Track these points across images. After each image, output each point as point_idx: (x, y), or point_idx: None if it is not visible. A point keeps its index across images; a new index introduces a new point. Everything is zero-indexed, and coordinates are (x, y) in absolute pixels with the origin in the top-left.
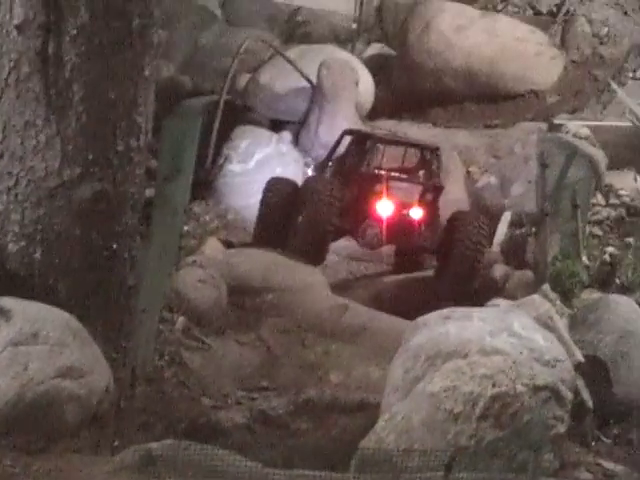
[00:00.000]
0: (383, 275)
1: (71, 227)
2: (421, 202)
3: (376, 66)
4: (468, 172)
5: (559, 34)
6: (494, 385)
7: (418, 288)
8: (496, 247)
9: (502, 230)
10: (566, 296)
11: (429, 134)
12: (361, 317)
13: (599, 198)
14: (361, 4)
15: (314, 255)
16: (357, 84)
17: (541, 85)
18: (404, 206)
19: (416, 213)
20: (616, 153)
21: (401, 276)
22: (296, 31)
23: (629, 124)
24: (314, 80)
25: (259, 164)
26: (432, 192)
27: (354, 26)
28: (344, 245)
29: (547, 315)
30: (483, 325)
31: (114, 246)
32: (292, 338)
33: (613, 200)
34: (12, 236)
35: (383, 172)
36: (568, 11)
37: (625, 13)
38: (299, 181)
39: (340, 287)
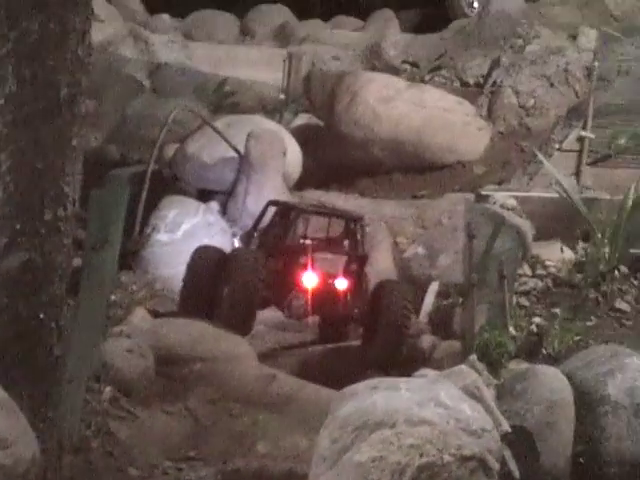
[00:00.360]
0: (310, 345)
1: None
2: (346, 272)
3: (304, 136)
4: (396, 242)
5: (486, 105)
6: (421, 455)
7: (345, 357)
8: (423, 317)
9: (429, 300)
10: (493, 366)
11: (356, 204)
12: (289, 387)
13: (526, 269)
14: (289, 74)
15: (241, 327)
16: (285, 154)
17: (468, 156)
18: (329, 277)
19: (341, 284)
20: (543, 224)
21: (328, 345)
22: (224, 101)
23: (556, 195)
24: (242, 150)
25: (187, 234)
26: (357, 262)
27: (282, 96)
28: (271, 315)
29: (474, 385)
30: (410, 395)
31: (41, 316)
32: (219, 408)
33: (540, 271)
34: None
35: (307, 243)
36: (495, 82)
37: (551, 85)
38: (227, 250)
39: (267, 357)
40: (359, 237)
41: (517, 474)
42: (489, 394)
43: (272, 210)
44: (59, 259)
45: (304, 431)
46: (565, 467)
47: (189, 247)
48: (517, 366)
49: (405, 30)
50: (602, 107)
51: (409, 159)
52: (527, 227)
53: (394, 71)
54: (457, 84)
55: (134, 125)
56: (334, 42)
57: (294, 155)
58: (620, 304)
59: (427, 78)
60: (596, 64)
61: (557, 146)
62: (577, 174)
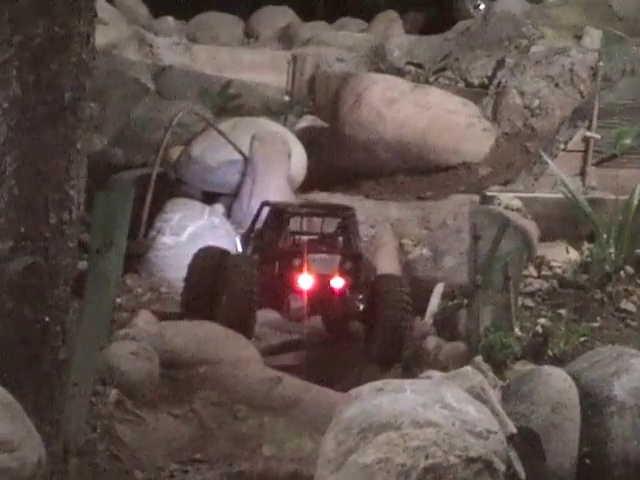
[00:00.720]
0: (314, 344)
1: (3, 301)
2: (342, 271)
3: (308, 138)
4: (400, 244)
5: (491, 106)
6: (427, 457)
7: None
8: (428, 319)
9: (434, 302)
10: (498, 368)
11: (361, 206)
12: (294, 389)
13: (531, 270)
14: (293, 76)
15: (241, 332)
16: (289, 156)
17: (473, 157)
18: (325, 277)
19: (337, 283)
20: (548, 225)
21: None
22: (228, 104)
23: (561, 196)
24: (246, 152)
25: (192, 237)
26: (351, 259)
27: (286, 98)
28: (275, 317)
29: (479, 387)
30: (416, 397)
31: (46, 319)
32: (225, 411)
33: (545, 272)
34: None
35: (301, 245)
36: (500, 83)
37: (556, 85)
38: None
39: (272, 359)
40: (352, 233)
41: (523, 475)
42: (495, 395)
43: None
44: (64, 262)
45: (309, 433)
46: (571, 468)
47: (194, 250)
48: (522, 367)
49: (409, 31)
50: (607, 107)
51: (414, 160)
52: (532, 228)
53: (398, 72)
54: (462, 85)
55: (139, 128)
56: (338, 44)
57: (299, 157)
58: (626, 305)
59: (432, 79)
60: (601, 64)
61: (562, 147)
62: (582, 174)
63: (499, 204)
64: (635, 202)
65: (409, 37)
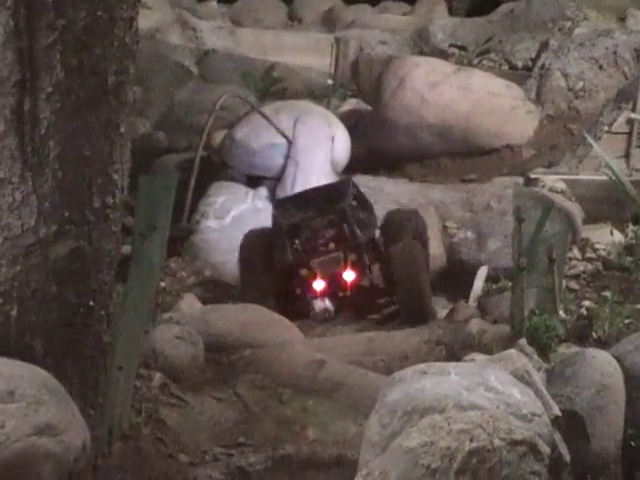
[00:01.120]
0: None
1: (47, 285)
2: (350, 264)
3: (351, 121)
4: (444, 227)
5: (534, 88)
6: (471, 440)
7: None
8: (473, 302)
9: (478, 285)
10: (543, 350)
11: (405, 189)
12: (338, 373)
13: (575, 252)
14: (336, 60)
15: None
16: (333, 140)
17: (517, 140)
18: (336, 276)
19: (349, 276)
20: (592, 207)
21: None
22: (271, 87)
23: (605, 178)
24: (290, 136)
25: (235, 220)
26: (354, 250)
27: (329, 81)
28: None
29: (524, 369)
30: (460, 380)
31: (90, 303)
32: (269, 394)
33: (589, 254)
34: None
35: (303, 254)
36: (543, 65)
37: (600, 67)
38: None
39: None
40: (347, 224)
41: (567, 458)
42: (539, 378)
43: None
44: (108, 247)
45: (353, 417)
46: (615, 451)
47: (238, 233)
48: (567, 350)
49: (453, 14)
50: None
51: (457, 143)
52: (576, 210)
53: (442, 55)
54: (505, 67)
55: (182, 112)
56: (381, 26)
57: (342, 140)
58: None
59: (475, 62)
60: None
61: (606, 129)
62: (626, 156)
63: (543, 186)
64: None
65: (452, 19)
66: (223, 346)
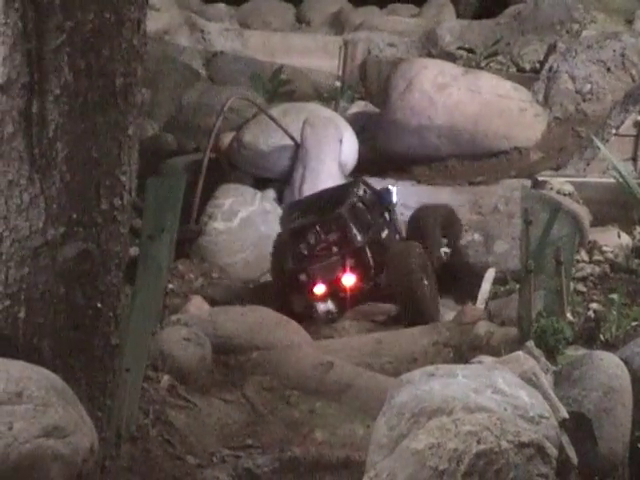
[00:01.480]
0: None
1: (55, 286)
2: (349, 268)
3: (360, 124)
4: None
5: (542, 91)
6: (479, 442)
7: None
8: (480, 304)
9: (486, 287)
10: (550, 353)
11: (413, 191)
12: (346, 375)
13: (583, 255)
14: (344, 62)
15: None
16: (341, 142)
17: (524, 142)
18: (336, 280)
19: (348, 280)
20: (600, 209)
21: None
22: (279, 89)
23: (612, 180)
24: (298, 138)
25: (243, 222)
26: (354, 254)
27: (337, 84)
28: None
29: (531, 372)
30: (467, 382)
31: (98, 305)
32: (277, 396)
33: (597, 256)
34: None
35: (303, 261)
36: (551, 68)
37: (608, 70)
38: None
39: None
40: (348, 229)
41: (575, 460)
42: (546, 380)
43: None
44: (116, 248)
45: (361, 419)
46: (623, 453)
47: (245, 235)
48: (574, 352)
49: (461, 16)
50: None
51: (465, 146)
52: (584, 213)
53: (450, 57)
54: (513, 70)
55: (190, 114)
56: (389, 29)
57: (350, 142)
58: None
59: (483, 64)
60: None
61: (614, 131)
62: (634, 159)
63: (551, 189)
64: None
65: (460, 22)
66: (231, 348)
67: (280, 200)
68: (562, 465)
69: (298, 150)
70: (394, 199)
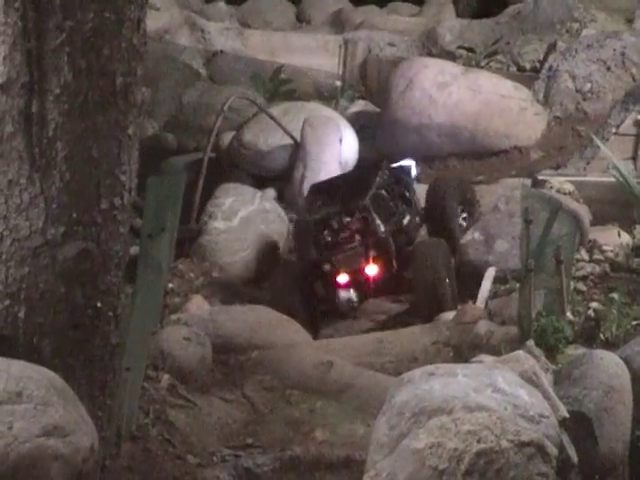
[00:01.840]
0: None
1: (55, 286)
2: (372, 258)
3: (360, 123)
4: None
5: (542, 90)
6: (479, 441)
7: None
8: (481, 303)
9: (486, 286)
10: (551, 352)
11: None
12: (346, 374)
13: (583, 254)
14: (344, 61)
15: None
16: (341, 141)
17: (525, 141)
18: (358, 270)
19: (371, 270)
20: (600, 209)
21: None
22: (280, 88)
23: (612, 179)
24: (298, 137)
25: (243, 221)
26: (376, 244)
27: (338, 83)
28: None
29: (532, 371)
30: (467, 381)
31: (98, 304)
32: (277, 395)
33: (597, 256)
34: None
35: (326, 249)
36: (551, 67)
37: (608, 69)
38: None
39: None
40: (371, 219)
41: (575, 459)
42: (547, 380)
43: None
44: (116, 248)
45: (361, 418)
46: (623, 452)
47: (246, 235)
48: (575, 351)
49: (461, 15)
50: None
51: (465, 145)
52: (584, 212)
53: (450, 57)
54: (513, 69)
55: (190, 113)
56: (390, 28)
57: (350, 142)
58: None
59: (483, 63)
60: None
61: (614, 130)
62: (634, 158)
63: (551, 188)
64: None
65: (460, 21)
66: (231, 347)
67: (280, 199)
68: (562, 464)
69: (298, 149)
70: (413, 173)
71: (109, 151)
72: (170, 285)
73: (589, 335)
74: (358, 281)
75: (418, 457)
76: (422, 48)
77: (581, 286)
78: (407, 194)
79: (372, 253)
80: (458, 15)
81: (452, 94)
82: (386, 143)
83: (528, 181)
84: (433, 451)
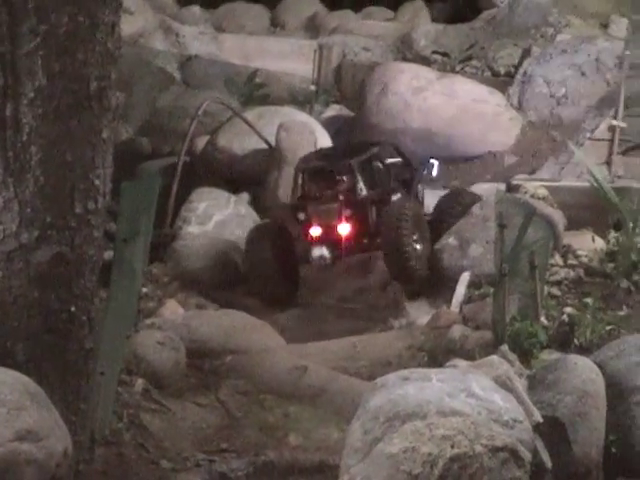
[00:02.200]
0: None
1: (29, 290)
2: (346, 217)
3: (335, 127)
4: None
5: (517, 95)
6: (453, 446)
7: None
8: (455, 308)
9: (461, 291)
10: (525, 357)
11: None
12: (320, 379)
13: (557, 258)
14: (319, 65)
15: (276, 298)
16: (315, 145)
17: (499, 146)
18: (331, 226)
19: (343, 229)
20: (574, 213)
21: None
22: (254, 93)
23: (587, 184)
24: (272, 142)
25: (218, 226)
26: (354, 205)
27: (312, 87)
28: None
29: (506, 376)
30: (442, 386)
31: (72, 309)
32: (251, 400)
33: (571, 260)
34: None
35: (305, 199)
36: (526, 72)
37: (583, 74)
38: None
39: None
40: (354, 181)
41: (549, 464)
42: (521, 384)
43: None
44: (90, 252)
45: (336, 422)
46: (597, 457)
47: (220, 239)
48: (549, 356)
49: (436, 20)
50: (633, 96)
51: (440, 149)
52: (558, 217)
53: (425, 61)
54: (488, 74)
55: (165, 117)
56: (365, 33)
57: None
58: None
59: (458, 68)
60: (627, 53)
61: (588, 135)
62: (608, 163)
63: (525, 193)
64: None
65: (435, 26)
66: (205, 352)
67: (254, 204)
68: (536, 469)
69: (273, 154)
70: (434, 173)
71: (83, 155)
72: (144, 289)
73: (563, 340)
74: (331, 238)
75: (392, 462)
76: (397, 53)
77: (555, 291)
78: (411, 181)
79: (347, 212)
80: (433, 20)
81: (427, 99)
82: None
83: (503, 186)
84: (407, 456)
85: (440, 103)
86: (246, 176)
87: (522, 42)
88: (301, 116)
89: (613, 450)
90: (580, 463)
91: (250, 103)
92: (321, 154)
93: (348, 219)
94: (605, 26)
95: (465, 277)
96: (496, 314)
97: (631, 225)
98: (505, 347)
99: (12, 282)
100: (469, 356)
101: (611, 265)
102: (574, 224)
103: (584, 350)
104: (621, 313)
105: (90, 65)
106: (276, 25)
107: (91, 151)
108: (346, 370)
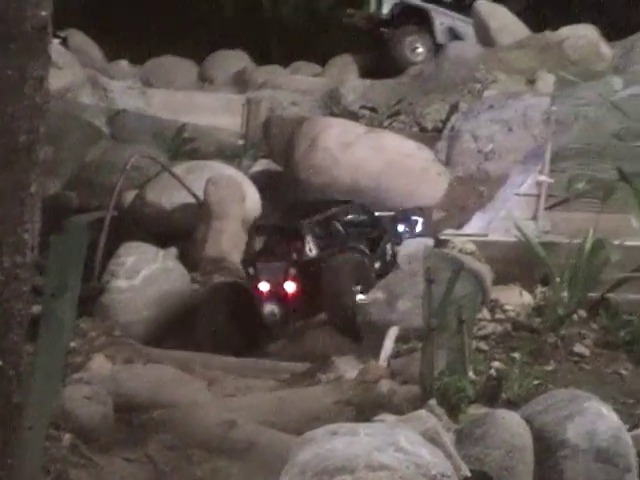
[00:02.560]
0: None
1: None
2: (293, 276)
3: (263, 182)
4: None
5: (445, 150)
6: None
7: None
8: (383, 362)
9: (389, 345)
10: (453, 411)
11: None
12: (249, 433)
13: (485, 313)
14: (247, 120)
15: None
16: (244, 200)
17: (427, 201)
18: (278, 283)
19: (289, 287)
20: (502, 268)
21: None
22: (183, 147)
23: (514, 239)
24: (201, 196)
25: (146, 280)
26: (301, 266)
27: (241, 142)
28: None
29: (434, 430)
30: (370, 440)
31: (0, 363)
32: (180, 455)
33: (499, 315)
34: None
35: (255, 256)
36: (453, 127)
37: (510, 129)
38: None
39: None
40: (304, 243)
41: None
42: (449, 439)
43: None
44: (17, 306)
45: (264, 477)
46: None
47: (149, 293)
48: (477, 410)
49: (363, 75)
50: (560, 151)
51: (369, 204)
52: (486, 271)
53: (353, 116)
54: (416, 129)
55: (93, 171)
56: (293, 87)
57: (253, 201)
58: (579, 348)
59: (386, 123)
60: (554, 108)
61: (515, 190)
62: (535, 218)
63: (453, 247)
64: (588, 246)
65: (363, 81)
66: (133, 406)
67: (182, 258)
68: None
69: (201, 208)
70: (419, 228)
71: (11, 209)
72: (72, 344)
73: (491, 394)
74: (279, 295)
75: None
76: (325, 108)
77: (483, 345)
78: (379, 239)
79: (293, 271)
80: (360, 75)
81: (355, 154)
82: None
83: (430, 240)
84: None
85: (368, 158)
86: (174, 230)
87: (449, 97)
88: (229, 170)
89: None
90: None
91: (178, 158)
92: (282, 212)
93: (295, 278)
94: (532, 82)
95: (393, 331)
96: (424, 368)
97: (558, 280)
98: (433, 401)
99: None
100: (397, 410)
101: (538, 320)
102: (502, 279)
103: (512, 404)
104: (548, 368)
105: (18, 119)
106: (204, 80)
107: (19, 205)
108: (274, 425)
